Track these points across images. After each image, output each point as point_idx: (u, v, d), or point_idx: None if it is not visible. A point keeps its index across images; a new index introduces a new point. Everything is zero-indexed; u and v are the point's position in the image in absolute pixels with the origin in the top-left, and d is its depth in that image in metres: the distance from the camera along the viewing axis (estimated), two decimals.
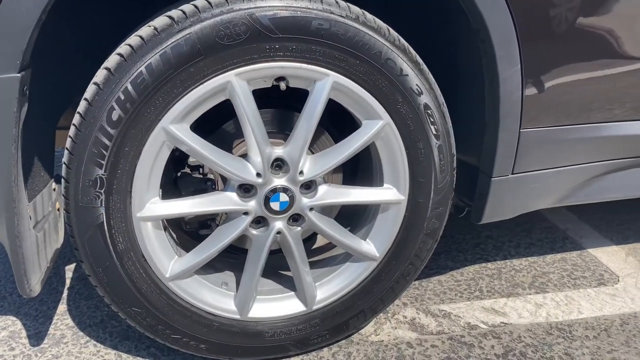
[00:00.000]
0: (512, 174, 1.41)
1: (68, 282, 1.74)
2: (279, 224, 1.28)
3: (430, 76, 1.25)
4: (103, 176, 1.11)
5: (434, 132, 1.26)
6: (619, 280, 1.80)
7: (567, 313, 1.63)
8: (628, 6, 1.33)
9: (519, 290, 1.74)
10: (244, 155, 1.23)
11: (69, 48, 1.39)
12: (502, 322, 1.58)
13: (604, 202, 1.65)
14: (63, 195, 1.14)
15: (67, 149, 1.12)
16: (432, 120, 1.25)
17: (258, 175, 1.21)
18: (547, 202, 1.55)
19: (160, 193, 1.21)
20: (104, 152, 1.10)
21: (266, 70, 1.12)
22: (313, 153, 1.33)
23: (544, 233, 2.09)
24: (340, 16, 1.12)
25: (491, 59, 1.24)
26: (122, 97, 1.07)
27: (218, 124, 1.37)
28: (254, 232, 1.28)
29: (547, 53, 1.30)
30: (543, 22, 1.27)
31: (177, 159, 1.35)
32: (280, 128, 1.38)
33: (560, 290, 1.74)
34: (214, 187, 1.35)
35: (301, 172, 1.23)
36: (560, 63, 1.33)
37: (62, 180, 1.14)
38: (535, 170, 1.45)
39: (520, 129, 1.35)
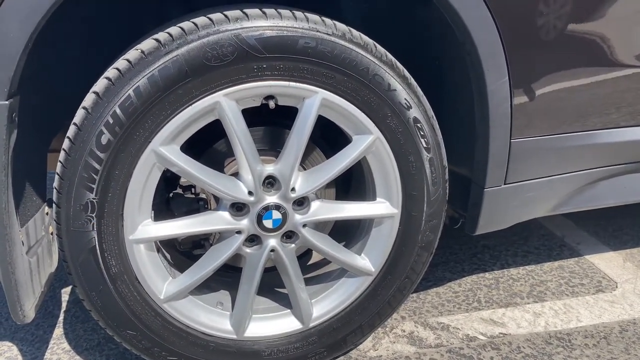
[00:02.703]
0: (505, 184, 1.41)
1: (64, 305, 1.73)
2: (272, 242, 1.27)
3: (419, 90, 1.25)
4: (94, 200, 1.11)
5: (425, 145, 1.26)
6: (617, 287, 1.79)
7: (565, 322, 1.62)
8: (611, 13, 1.34)
9: (517, 299, 1.73)
10: (236, 174, 1.23)
11: (58, 73, 1.39)
12: (501, 333, 1.57)
13: (600, 209, 1.65)
14: (55, 220, 1.14)
15: (57, 173, 1.11)
16: (422, 133, 1.25)
17: (250, 193, 1.21)
18: (542, 211, 1.55)
19: (153, 214, 1.21)
20: (94, 176, 1.10)
21: (254, 90, 1.12)
22: (305, 169, 1.33)
23: (540, 241, 2.09)
24: (327, 34, 1.12)
25: (478, 70, 1.24)
26: (111, 121, 1.07)
27: (209, 144, 1.37)
28: (248, 250, 1.28)
29: (535, 63, 1.31)
30: (529, 33, 1.27)
31: (169, 179, 1.35)
32: (271, 145, 1.38)
33: (559, 299, 1.73)
34: (206, 206, 1.35)
35: (293, 189, 1.23)
36: (548, 72, 1.33)
37: (54, 204, 1.13)
38: (528, 180, 1.45)
39: (510, 139, 1.35)
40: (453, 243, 2.08)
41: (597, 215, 2.26)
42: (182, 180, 1.34)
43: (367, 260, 1.35)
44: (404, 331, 1.58)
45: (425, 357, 1.47)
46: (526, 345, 1.52)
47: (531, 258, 1.97)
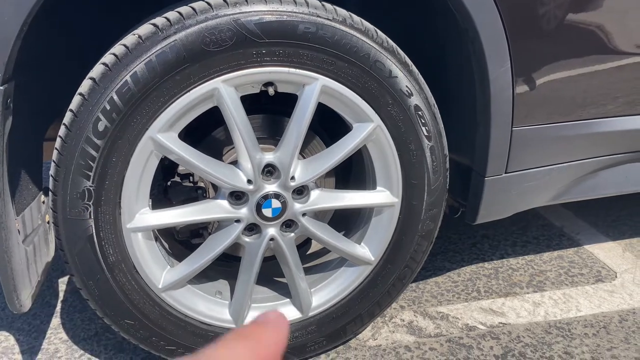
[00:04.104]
0: (506, 173, 1.40)
1: (61, 295, 1.72)
2: (271, 231, 1.26)
3: (420, 77, 1.24)
4: (91, 188, 1.10)
5: (426, 133, 1.25)
6: (616, 277, 1.79)
7: (565, 311, 1.62)
8: (616, 1, 1.32)
9: (516, 289, 1.73)
10: (235, 162, 1.21)
11: (54, 58, 1.37)
12: (501, 323, 1.57)
13: (599, 198, 1.64)
14: (51, 208, 1.13)
15: (53, 161, 1.10)
16: (423, 121, 1.23)
17: (249, 182, 1.19)
18: (542, 200, 1.54)
19: (150, 203, 1.20)
20: (91, 163, 1.08)
21: (254, 76, 1.11)
22: (304, 158, 1.32)
23: (540, 231, 2.09)
24: (327, 19, 1.11)
25: (480, 58, 1.23)
26: (108, 107, 1.05)
27: (207, 132, 1.36)
28: (247, 239, 1.27)
29: (537, 50, 1.30)
30: (532, 20, 1.26)
31: (167, 167, 1.34)
32: (271, 133, 1.37)
33: (558, 288, 1.73)
34: (204, 195, 1.34)
35: (292, 178, 1.22)
36: (551, 60, 1.32)
37: (50, 193, 1.12)
38: (529, 169, 1.44)
39: (512, 127, 1.34)
40: (452, 233, 2.07)
41: (596, 205, 2.26)
42: (180, 169, 1.32)
43: (367, 250, 1.35)
44: (404, 320, 1.58)
45: (424, 347, 1.47)
46: (526, 335, 1.52)
47: (530, 248, 1.97)
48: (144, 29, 1.06)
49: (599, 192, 1.60)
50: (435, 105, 1.27)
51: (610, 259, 1.90)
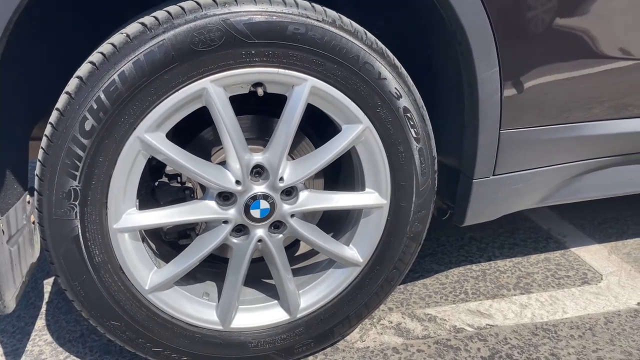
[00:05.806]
0: (494, 175, 1.41)
1: (46, 296, 1.70)
2: (260, 232, 1.26)
3: (409, 79, 1.24)
4: (77, 187, 1.09)
5: (414, 135, 1.25)
6: (602, 279, 1.81)
7: (552, 313, 1.63)
8: (604, 6, 1.34)
9: (503, 291, 1.73)
10: (223, 163, 1.21)
11: (41, 57, 1.36)
12: (488, 324, 1.57)
13: (586, 201, 1.66)
14: (36, 208, 1.11)
15: (39, 160, 1.09)
16: (412, 123, 1.24)
17: (237, 182, 1.19)
18: (530, 203, 1.55)
19: (138, 203, 1.19)
20: (78, 163, 1.07)
21: (242, 76, 1.10)
22: (293, 159, 1.31)
23: (527, 233, 2.10)
24: (317, 20, 1.11)
25: (469, 60, 1.23)
26: (95, 107, 1.04)
27: (196, 132, 1.35)
28: (235, 240, 1.26)
29: (526, 54, 1.31)
30: (520, 23, 1.27)
31: (155, 168, 1.33)
32: (260, 134, 1.36)
33: (545, 291, 1.74)
34: (192, 195, 1.33)
35: (281, 179, 1.22)
36: (539, 64, 1.33)
37: (35, 192, 1.11)
38: (517, 171, 1.45)
39: (500, 130, 1.35)
40: (440, 235, 2.08)
41: (583, 207, 2.28)
42: (168, 169, 1.32)
43: (355, 251, 1.34)
44: (392, 322, 1.58)
45: (412, 348, 1.47)
46: (513, 337, 1.52)
47: (518, 250, 1.98)
48: (132, 27, 1.05)
49: (585, 194, 1.62)
50: (424, 107, 1.27)
51: (596, 261, 1.91)
